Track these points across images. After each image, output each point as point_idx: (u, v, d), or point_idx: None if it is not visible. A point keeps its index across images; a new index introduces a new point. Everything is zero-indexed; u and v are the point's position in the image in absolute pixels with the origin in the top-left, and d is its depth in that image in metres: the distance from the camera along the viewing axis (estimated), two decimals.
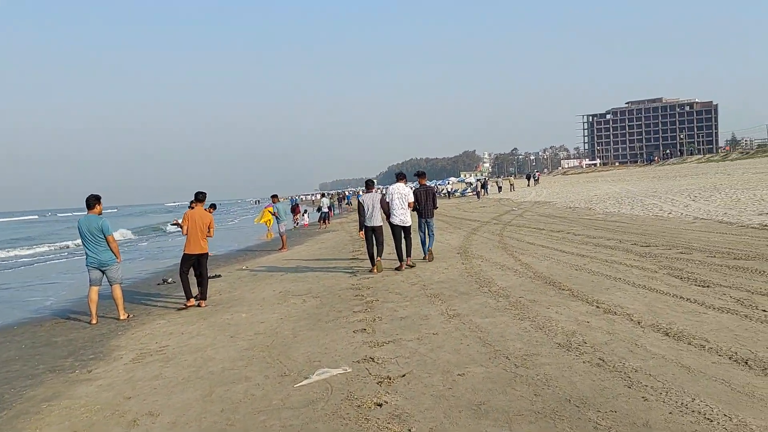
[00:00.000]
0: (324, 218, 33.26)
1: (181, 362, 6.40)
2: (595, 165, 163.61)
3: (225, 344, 6.99)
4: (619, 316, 6.48)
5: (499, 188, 60.46)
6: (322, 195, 37.63)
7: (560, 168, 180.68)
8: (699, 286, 7.77)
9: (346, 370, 5.38)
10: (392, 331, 6.73)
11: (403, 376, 5.08)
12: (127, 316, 9.42)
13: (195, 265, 9.89)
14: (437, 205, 12.92)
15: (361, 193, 14.11)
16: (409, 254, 11.90)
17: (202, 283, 9.78)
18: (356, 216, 11.98)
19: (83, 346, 7.76)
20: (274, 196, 21.64)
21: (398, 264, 11.71)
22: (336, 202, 52.85)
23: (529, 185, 66.49)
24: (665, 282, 8.20)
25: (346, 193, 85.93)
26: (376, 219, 11.72)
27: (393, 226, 11.78)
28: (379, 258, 11.76)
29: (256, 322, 8.07)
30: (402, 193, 11.87)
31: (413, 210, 12.35)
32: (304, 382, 5.18)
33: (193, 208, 9.88)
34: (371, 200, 11.78)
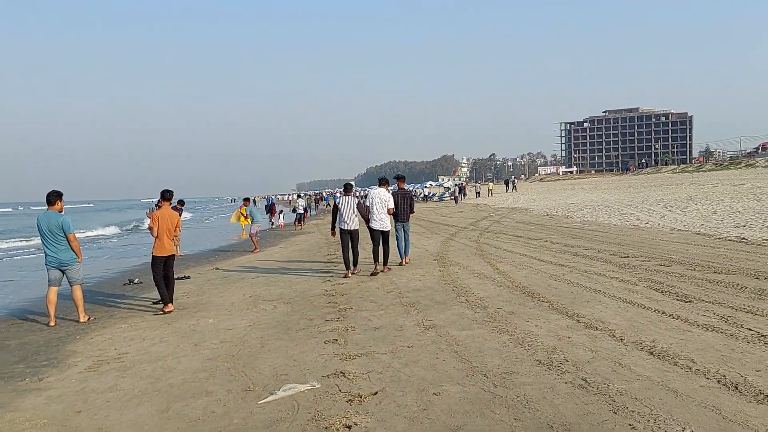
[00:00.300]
0: (299, 219, 32.83)
1: (140, 372, 6.01)
2: (571, 172, 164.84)
3: (188, 353, 6.61)
4: (600, 332, 6.24)
5: (477, 194, 60.42)
6: (298, 196, 37.10)
7: (537, 174, 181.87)
8: (681, 301, 7.57)
9: (315, 385, 5.05)
10: (365, 342, 6.42)
11: (375, 394, 4.77)
12: (88, 319, 8.97)
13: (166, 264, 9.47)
14: (414, 210, 12.94)
15: (338, 194, 13.98)
16: (386, 261, 11.93)
17: (168, 286, 9.34)
18: (337, 216, 11.77)
19: (37, 351, 7.31)
20: (246, 200, 21.09)
21: (373, 266, 11.63)
22: (313, 203, 52.41)
23: (507, 191, 66.74)
24: (646, 296, 8.00)
25: (324, 194, 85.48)
26: (353, 222, 11.56)
27: (372, 231, 11.73)
28: (355, 269, 11.81)
29: (223, 329, 7.70)
30: (383, 199, 11.83)
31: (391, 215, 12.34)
32: (269, 398, 4.84)
33: (160, 207, 9.42)
34: (347, 203, 11.65)
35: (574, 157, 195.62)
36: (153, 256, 9.21)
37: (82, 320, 8.90)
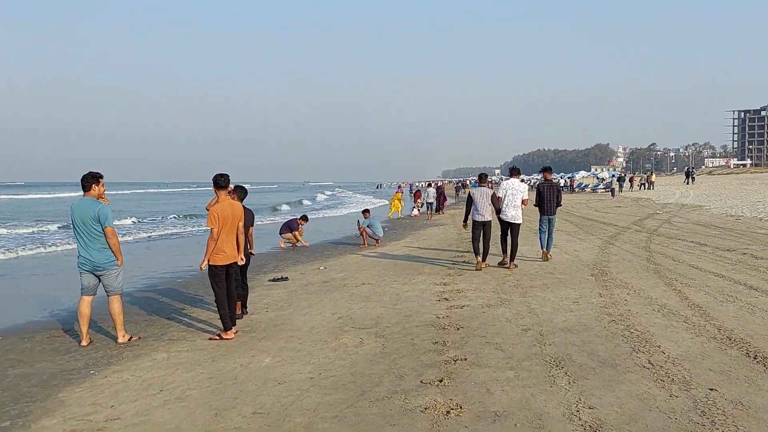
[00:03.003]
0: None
1: None
2: (744, 165, 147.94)
3: (198, 430, 4.24)
4: None
5: (643, 185, 54.10)
6: (429, 184, 33.72)
7: (704, 167, 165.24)
8: None
9: None
10: None
11: None
12: (130, 338, 6.98)
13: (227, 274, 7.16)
14: (561, 203, 12.22)
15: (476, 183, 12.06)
16: (513, 257, 11.25)
17: (231, 303, 7.02)
18: (471, 207, 11.23)
19: (28, 392, 5.32)
20: (366, 211, 18.20)
21: (501, 258, 11.50)
22: (453, 191, 49.51)
23: (687, 183, 59.05)
24: None
25: (467, 181, 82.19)
26: (486, 214, 11.02)
27: (502, 222, 11.35)
28: (484, 263, 11.16)
29: (273, 380, 5.27)
30: (517, 189, 11.28)
31: (534, 206, 12.25)
32: None
33: (218, 198, 7.05)
34: (482, 194, 11.11)
35: (749, 149, 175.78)
36: (210, 266, 6.91)
37: (120, 341, 6.91)
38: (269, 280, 10.95)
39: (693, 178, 61.09)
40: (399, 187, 22.62)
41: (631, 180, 57.17)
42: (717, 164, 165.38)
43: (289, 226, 16.95)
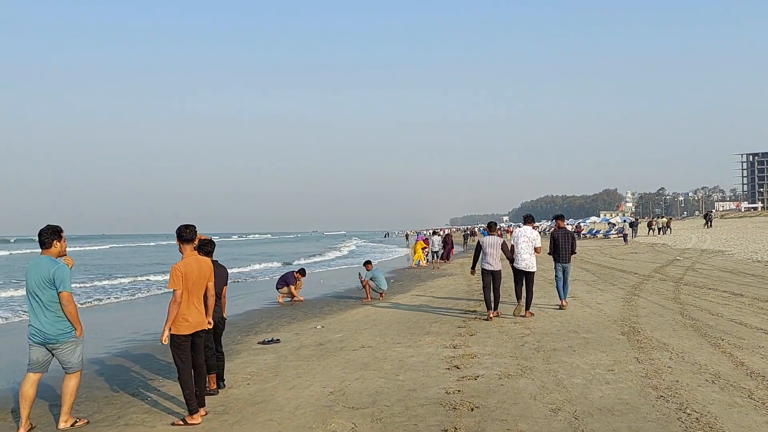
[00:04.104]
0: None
1: None
2: (755, 209, 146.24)
3: None
4: None
5: (659, 230, 52.56)
6: (434, 232, 32.33)
7: (714, 211, 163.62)
8: None
9: None
10: None
11: None
12: (74, 423, 5.80)
13: (194, 345, 5.98)
14: (576, 250, 12.02)
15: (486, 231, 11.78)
16: (528, 305, 10.92)
17: (199, 379, 5.85)
18: (479, 256, 11.05)
19: None
20: (367, 263, 16.81)
21: (516, 305, 11.04)
22: (461, 239, 48.25)
23: (707, 226, 57.54)
24: None
25: (477, 229, 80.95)
26: (496, 263, 10.82)
27: (516, 271, 11.03)
28: (496, 312, 10.93)
29: None
30: (529, 237, 10.99)
31: (549, 254, 12.04)
32: None
33: (182, 252, 5.93)
34: (492, 243, 10.88)
35: (760, 192, 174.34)
36: (172, 337, 5.73)
37: (61, 426, 5.73)
38: (259, 343, 9.79)
39: (710, 222, 59.52)
40: (418, 234, 22.57)
41: (649, 224, 55.75)
42: (727, 207, 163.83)
43: (286, 280, 15.84)
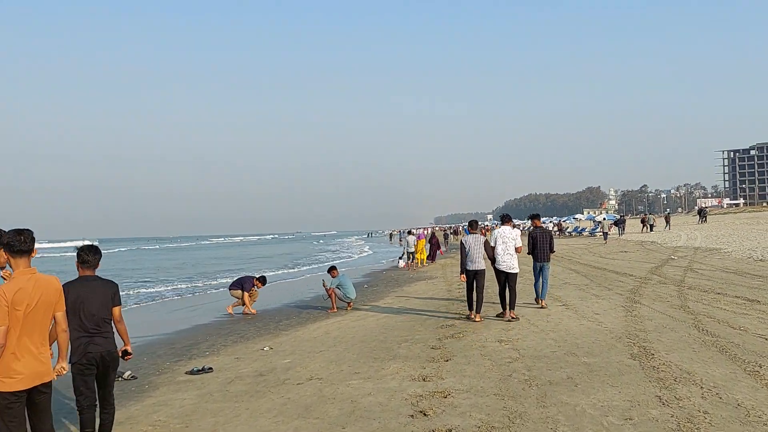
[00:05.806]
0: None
1: None
2: (737, 205, 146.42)
3: None
4: None
5: (651, 227, 51.23)
6: (409, 232, 29.85)
7: (696, 207, 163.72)
8: None
9: None
10: None
11: None
12: None
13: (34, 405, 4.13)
14: (554, 249, 11.97)
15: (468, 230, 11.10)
16: (512, 306, 10.54)
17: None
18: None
19: None
20: (333, 269, 14.83)
21: (501, 311, 10.70)
22: (442, 239, 46.45)
23: (701, 222, 56.54)
24: None
25: (461, 228, 79.16)
26: (479, 262, 10.49)
27: (498, 272, 10.76)
28: (479, 315, 10.47)
29: None
30: (509, 237, 10.73)
31: (528, 254, 11.97)
32: None
33: (5, 271, 4.01)
34: (475, 241, 10.60)
35: (741, 188, 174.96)
36: (2, 393, 3.91)
37: None
38: (186, 373, 8.00)
39: (705, 218, 59.16)
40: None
41: (642, 221, 54.32)
42: (709, 204, 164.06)
43: (242, 283, 13.93)
